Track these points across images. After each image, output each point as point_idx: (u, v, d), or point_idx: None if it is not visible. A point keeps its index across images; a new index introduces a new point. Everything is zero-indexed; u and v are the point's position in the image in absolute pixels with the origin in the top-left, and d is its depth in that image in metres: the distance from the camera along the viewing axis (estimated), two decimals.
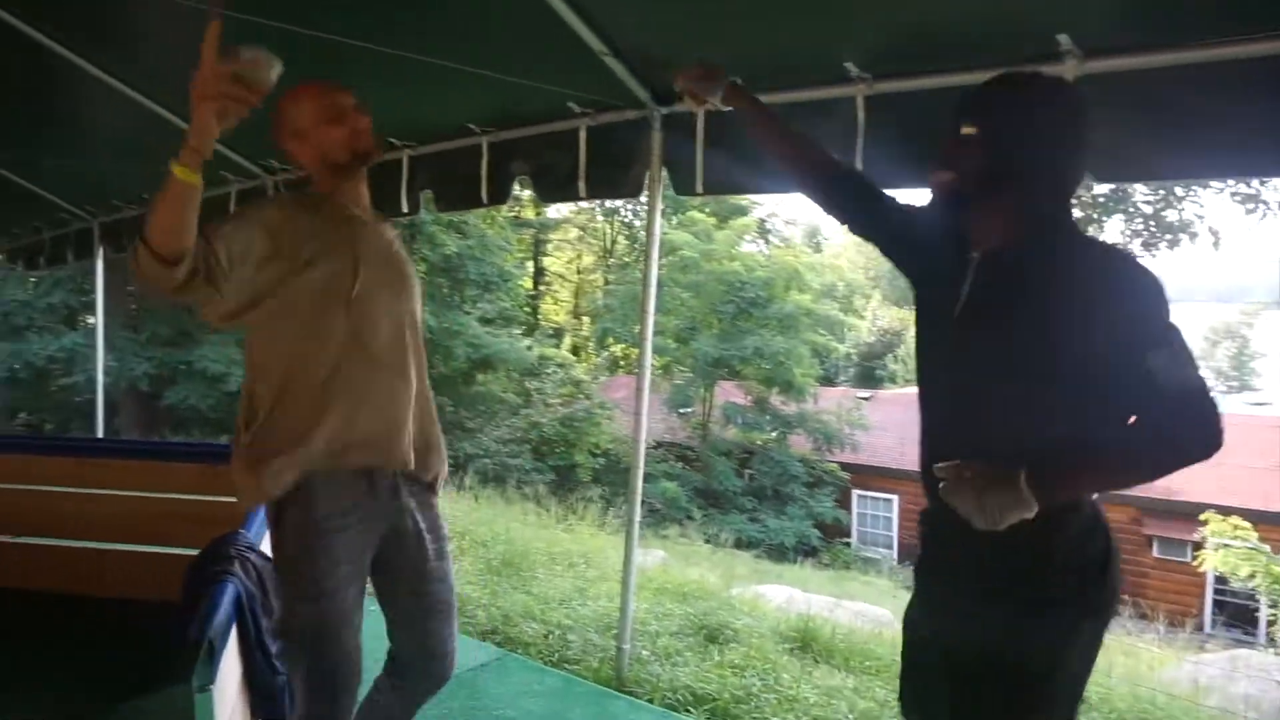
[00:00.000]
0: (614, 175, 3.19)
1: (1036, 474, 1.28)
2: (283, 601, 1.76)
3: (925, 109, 2.45)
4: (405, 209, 3.82)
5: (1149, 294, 1.31)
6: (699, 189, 2.99)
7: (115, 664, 1.65)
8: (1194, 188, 15.42)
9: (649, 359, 3.27)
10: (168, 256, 1.47)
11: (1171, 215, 16.08)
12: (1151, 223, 16.35)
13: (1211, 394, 1.29)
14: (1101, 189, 16.39)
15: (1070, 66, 2.16)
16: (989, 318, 1.42)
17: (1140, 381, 1.28)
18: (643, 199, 3.18)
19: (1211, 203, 15.65)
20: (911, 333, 1.75)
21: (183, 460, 3.47)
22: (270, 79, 1.46)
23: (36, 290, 13.81)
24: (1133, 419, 1.33)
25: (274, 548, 1.75)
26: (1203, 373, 1.29)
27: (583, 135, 3.19)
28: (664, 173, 3.09)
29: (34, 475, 3.54)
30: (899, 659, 1.65)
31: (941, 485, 1.34)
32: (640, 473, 3.26)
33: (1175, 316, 1.31)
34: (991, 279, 1.44)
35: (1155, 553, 13.20)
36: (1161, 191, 16.02)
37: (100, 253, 6.01)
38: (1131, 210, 16.50)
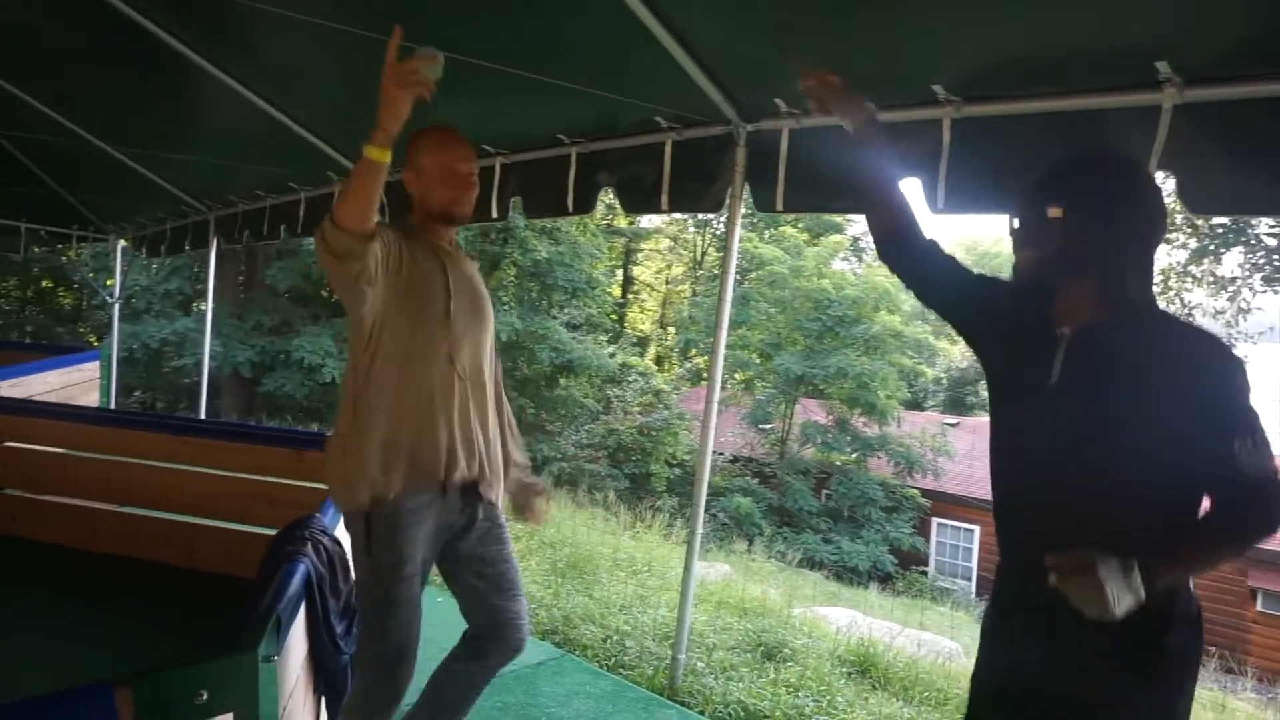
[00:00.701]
0: (697, 189, 3.22)
1: (1146, 565, 1.30)
2: (361, 581, 1.91)
3: (1013, 134, 2.41)
4: (495, 214, 3.94)
5: (1237, 378, 1.37)
6: (779, 206, 3.00)
7: (191, 631, 1.76)
8: None
9: (719, 370, 3.29)
10: (354, 232, 1.67)
11: None
12: (1275, 256, 15.42)
13: None
14: (1220, 220, 15.56)
15: (1169, 94, 2.09)
16: (1083, 392, 1.45)
17: (1222, 465, 1.34)
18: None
19: None
20: None
21: (272, 444, 3.66)
22: (439, 73, 1.68)
23: (155, 276, 14.72)
24: (1206, 502, 1.40)
25: (357, 533, 1.89)
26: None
27: (668, 149, 3.24)
28: (745, 189, 3.11)
29: (140, 449, 3.79)
30: (962, 695, 1.66)
31: (1054, 575, 1.34)
32: (705, 483, 3.27)
33: (1254, 400, 1.38)
34: (1084, 354, 1.47)
35: (1259, 606, 12.41)
36: None
37: (214, 243, 6.38)
38: (1254, 243, 15.60)
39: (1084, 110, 2.27)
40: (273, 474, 3.54)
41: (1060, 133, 2.31)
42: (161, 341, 13.97)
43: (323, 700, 2.06)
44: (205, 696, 1.29)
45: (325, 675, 1.94)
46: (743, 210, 3.27)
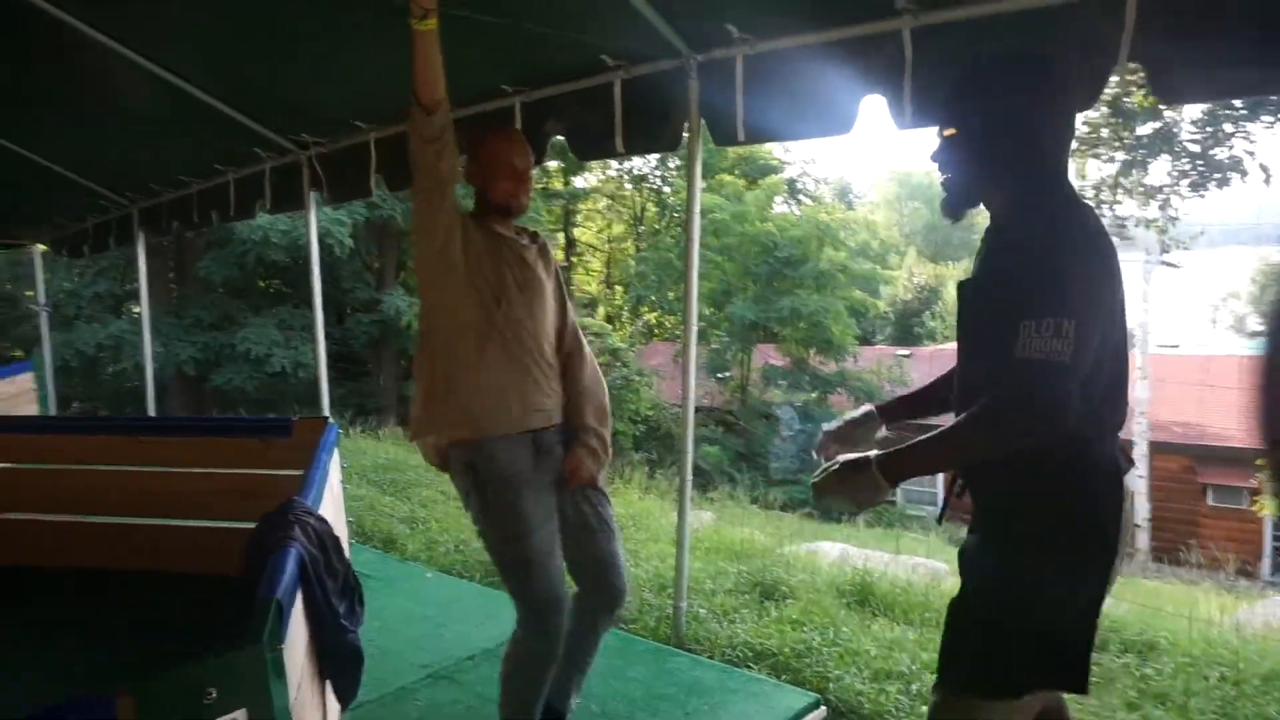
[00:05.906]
0: (652, 128, 3.10)
1: (883, 460, 1.39)
2: (489, 546, 2.14)
3: (976, 39, 2.35)
4: None
5: (1040, 264, 1.31)
6: (740, 138, 2.90)
7: (178, 633, 1.66)
8: (1243, 124, 14.83)
9: (694, 312, 3.23)
10: (429, 105, 1.93)
11: (1221, 153, 15.49)
12: (1199, 162, 15.78)
13: (1048, 377, 1.26)
14: (1145, 129, 15.86)
15: None
16: (963, 297, 1.56)
17: (1001, 354, 1.30)
18: (676, 159, 3.12)
19: (1263, 138, 15.08)
20: (949, 290, 1.83)
21: (235, 435, 3.51)
22: None
23: (81, 280, 14.09)
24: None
25: (470, 501, 2.11)
26: (1058, 356, 1.26)
27: (617, 89, 3.11)
28: (702, 124, 3.01)
29: (91, 455, 3.61)
30: None
31: (812, 483, 1.47)
32: (690, 432, 3.23)
33: (1066, 295, 1.29)
34: (977, 261, 1.56)
35: (1210, 501, 12.95)
36: (1210, 129, 15.43)
37: (140, 237, 6.06)
38: (1178, 149, 15.94)
39: (1048, 7, 2.21)
40: (239, 466, 3.39)
41: (1025, 32, 2.25)
42: (97, 347, 13.41)
43: (327, 685, 1.97)
44: (214, 695, 1.20)
45: (332, 659, 1.85)
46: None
